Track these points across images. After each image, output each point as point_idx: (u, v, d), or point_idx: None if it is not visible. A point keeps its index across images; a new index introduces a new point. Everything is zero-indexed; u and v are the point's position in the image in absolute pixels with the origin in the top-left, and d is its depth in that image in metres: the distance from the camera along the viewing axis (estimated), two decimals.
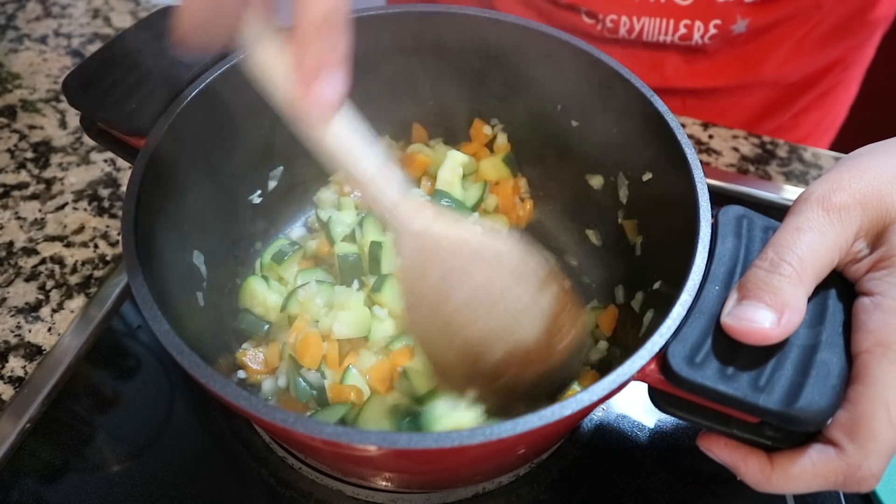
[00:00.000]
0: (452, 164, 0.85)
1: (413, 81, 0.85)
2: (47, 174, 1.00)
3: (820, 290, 0.55)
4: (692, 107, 1.14)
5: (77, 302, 0.85)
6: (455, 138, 0.91)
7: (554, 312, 0.61)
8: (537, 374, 0.62)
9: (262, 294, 0.78)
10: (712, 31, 1.03)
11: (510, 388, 0.63)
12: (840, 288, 0.56)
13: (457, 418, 0.63)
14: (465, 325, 0.60)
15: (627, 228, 0.79)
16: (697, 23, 1.02)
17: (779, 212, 0.94)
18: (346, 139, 0.53)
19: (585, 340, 0.66)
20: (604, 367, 0.74)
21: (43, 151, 1.03)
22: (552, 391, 0.65)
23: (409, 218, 0.56)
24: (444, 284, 0.59)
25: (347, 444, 0.49)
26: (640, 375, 0.53)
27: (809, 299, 0.54)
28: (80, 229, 0.93)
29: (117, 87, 0.70)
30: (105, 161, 1.01)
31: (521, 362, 0.62)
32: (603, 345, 0.78)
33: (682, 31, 1.03)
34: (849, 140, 1.21)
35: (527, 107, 0.84)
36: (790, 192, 0.97)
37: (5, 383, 0.78)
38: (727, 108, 1.15)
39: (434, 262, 0.58)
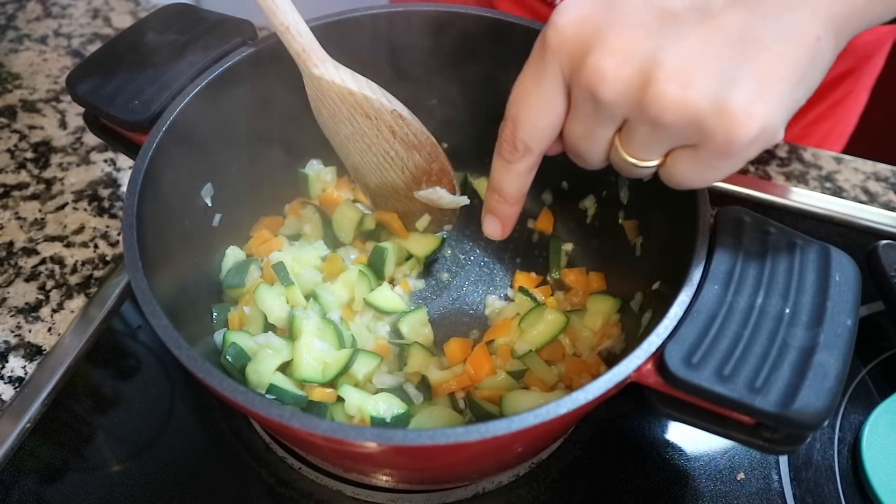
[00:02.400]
0: None
1: (410, 82, 0.85)
2: (47, 174, 1.00)
3: (819, 290, 0.55)
4: None
5: (77, 302, 0.86)
6: (454, 140, 0.91)
7: (421, 169, 0.79)
8: (404, 205, 0.83)
9: (269, 301, 0.78)
10: None
11: (385, 201, 0.84)
12: (838, 288, 0.56)
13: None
14: (350, 153, 0.79)
15: (627, 229, 0.79)
16: None
17: (779, 212, 0.95)
18: (272, 3, 0.67)
19: (450, 202, 0.81)
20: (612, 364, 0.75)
21: (43, 151, 1.03)
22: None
23: (310, 66, 0.71)
24: (332, 121, 0.76)
25: (344, 440, 0.49)
26: (636, 375, 0.53)
27: (809, 299, 0.54)
28: (80, 229, 0.93)
29: (120, 83, 0.71)
30: (105, 161, 1.02)
31: (390, 192, 0.82)
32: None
33: None
34: (858, 149, 1.21)
35: None
36: (790, 193, 0.97)
37: (5, 383, 0.78)
38: None
39: (326, 103, 0.74)
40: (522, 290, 0.82)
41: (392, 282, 0.84)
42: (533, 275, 0.86)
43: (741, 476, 0.72)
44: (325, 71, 0.71)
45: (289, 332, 0.75)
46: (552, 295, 0.83)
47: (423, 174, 0.79)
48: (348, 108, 0.73)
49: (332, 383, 0.73)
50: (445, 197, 0.80)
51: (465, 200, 0.81)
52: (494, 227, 0.70)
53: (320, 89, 0.72)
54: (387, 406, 0.69)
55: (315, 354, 0.72)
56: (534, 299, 0.81)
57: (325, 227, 0.86)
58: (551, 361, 0.76)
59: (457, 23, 0.78)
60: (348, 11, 0.77)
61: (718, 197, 0.96)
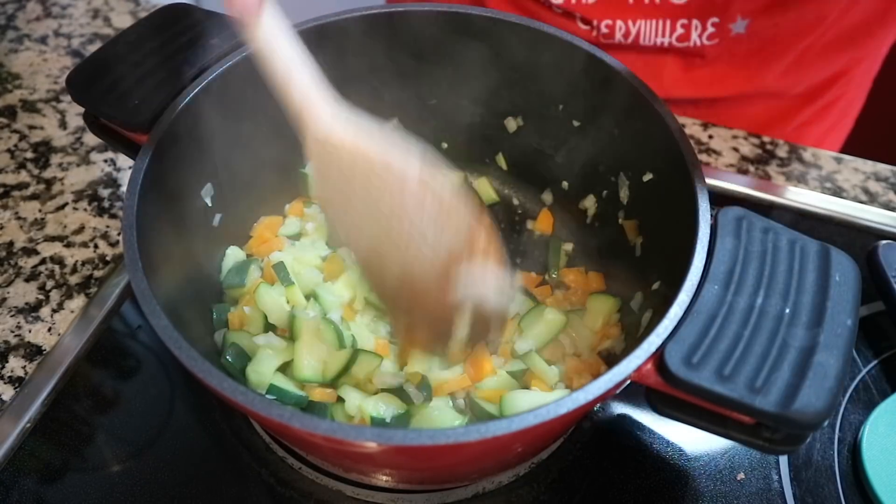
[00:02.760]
0: None
1: (411, 81, 0.85)
2: (47, 174, 1.00)
3: (819, 290, 0.55)
4: (692, 117, 1.13)
5: (77, 302, 0.86)
6: (454, 140, 0.91)
7: (457, 252, 0.60)
8: (433, 312, 0.62)
9: (270, 301, 0.78)
10: (710, 29, 1.02)
11: (408, 309, 0.64)
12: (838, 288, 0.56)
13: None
14: (362, 235, 0.61)
15: (627, 229, 0.79)
16: (695, 21, 1.02)
17: (779, 212, 0.95)
18: (269, 39, 0.56)
19: (500, 298, 0.64)
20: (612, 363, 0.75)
21: (43, 151, 1.03)
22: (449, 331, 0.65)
23: (315, 121, 0.56)
24: (343, 192, 0.59)
25: (344, 440, 0.49)
26: (636, 375, 0.53)
27: (809, 299, 0.54)
28: (80, 229, 0.93)
29: (120, 83, 0.71)
30: (105, 161, 1.02)
31: (415, 291, 0.61)
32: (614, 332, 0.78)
33: (680, 31, 1.02)
34: (856, 150, 1.21)
35: (528, 107, 0.84)
36: (790, 193, 0.97)
37: (5, 383, 0.78)
38: (727, 119, 1.14)
39: (335, 170, 0.58)
40: (522, 290, 0.82)
41: None
42: (533, 275, 0.86)
43: (741, 476, 0.72)
44: (336, 127, 0.57)
45: (289, 333, 0.75)
46: (552, 294, 0.83)
47: (458, 259, 0.61)
48: (366, 174, 0.58)
49: (332, 383, 0.73)
50: (485, 291, 0.60)
51: (512, 301, 0.65)
52: None
53: (329, 151, 0.58)
54: (386, 406, 0.69)
55: (315, 354, 0.72)
56: (533, 299, 0.81)
57: (328, 226, 0.86)
58: (551, 361, 0.76)
59: (456, 22, 0.78)
60: (347, 11, 0.77)
61: (718, 197, 0.96)
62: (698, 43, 1.04)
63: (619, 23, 1.02)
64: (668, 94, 1.10)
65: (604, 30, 1.03)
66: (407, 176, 0.58)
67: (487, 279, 0.61)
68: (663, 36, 1.03)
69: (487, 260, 0.61)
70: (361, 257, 0.64)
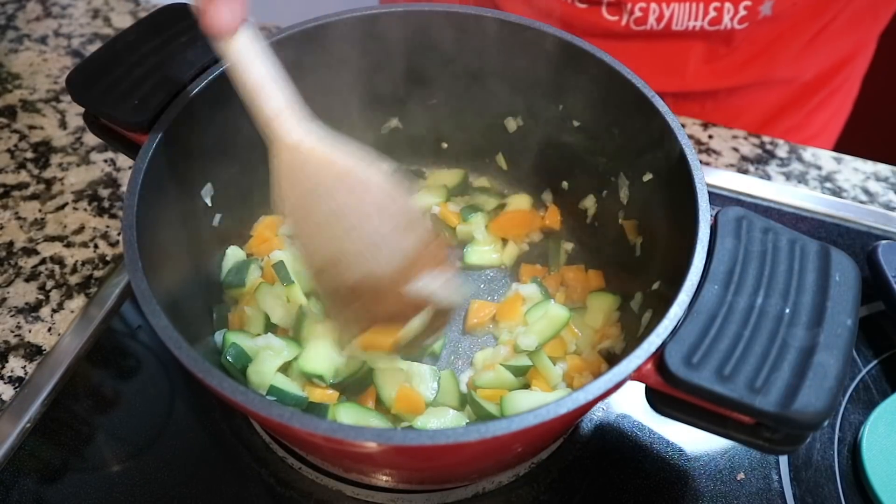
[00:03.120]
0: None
1: (411, 81, 0.85)
2: (47, 174, 1.00)
3: (819, 290, 0.55)
4: (710, 110, 1.14)
5: (77, 302, 0.86)
6: (454, 140, 0.91)
7: (414, 256, 0.64)
8: (389, 310, 0.66)
9: (270, 301, 0.78)
10: (742, 12, 1.02)
11: (361, 317, 0.67)
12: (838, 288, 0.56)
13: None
14: (323, 243, 0.64)
15: (627, 229, 0.79)
16: (727, 4, 1.02)
17: (778, 212, 0.95)
18: (244, 55, 0.59)
19: (447, 300, 0.68)
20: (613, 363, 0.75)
21: (43, 151, 1.03)
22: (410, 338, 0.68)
23: (284, 131, 0.60)
24: (307, 200, 0.62)
25: (344, 440, 0.49)
26: (636, 375, 0.53)
27: (809, 299, 0.54)
28: (80, 229, 0.93)
29: (120, 83, 0.71)
30: (105, 161, 1.02)
31: (372, 293, 0.65)
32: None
33: (713, 14, 1.03)
34: (852, 140, 1.21)
35: (528, 107, 0.84)
36: (790, 193, 0.97)
37: (5, 383, 0.78)
38: (744, 108, 1.15)
39: (301, 178, 0.61)
40: (535, 280, 0.84)
41: None
42: (538, 266, 0.86)
43: (741, 476, 0.72)
44: (304, 136, 0.60)
45: (291, 332, 0.75)
46: (559, 288, 0.84)
47: (414, 264, 0.65)
48: (331, 180, 0.62)
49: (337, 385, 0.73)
50: (440, 291, 0.66)
51: (459, 299, 0.69)
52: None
53: (296, 159, 0.61)
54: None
55: (324, 353, 0.73)
56: (544, 290, 0.82)
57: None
58: (553, 358, 0.76)
59: (456, 22, 0.78)
60: (347, 11, 0.77)
61: (718, 197, 0.96)
62: (729, 26, 1.04)
63: (653, 6, 1.02)
64: (690, 86, 1.11)
65: (637, 13, 1.03)
66: (370, 183, 0.62)
67: (440, 278, 0.66)
68: (696, 20, 1.03)
69: (439, 261, 0.66)
70: (318, 260, 0.66)
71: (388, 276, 0.65)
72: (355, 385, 0.74)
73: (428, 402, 0.72)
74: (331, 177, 0.62)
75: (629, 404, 0.77)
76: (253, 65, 0.59)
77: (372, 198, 0.63)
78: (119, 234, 0.93)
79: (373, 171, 0.62)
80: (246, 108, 0.61)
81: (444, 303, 0.67)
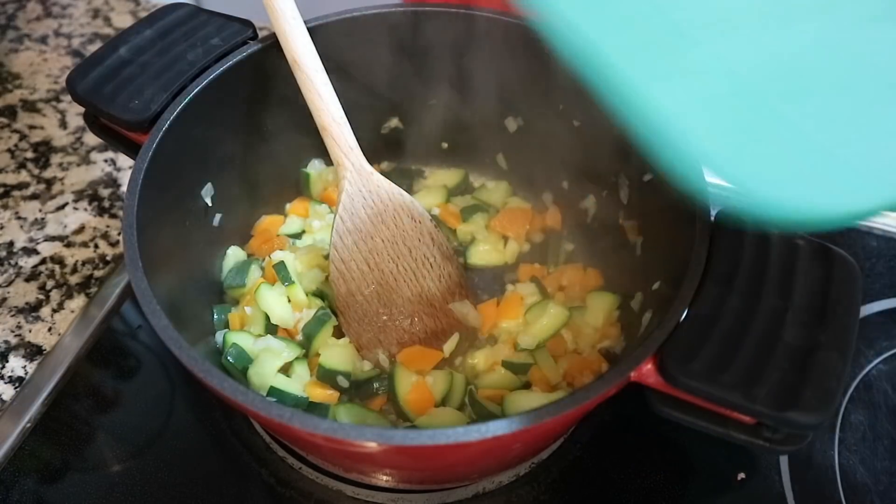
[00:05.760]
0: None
1: (411, 81, 0.85)
2: (47, 174, 1.00)
3: (819, 290, 0.55)
4: None
5: (77, 302, 0.86)
6: (454, 140, 0.91)
7: (458, 279, 0.80)
8: (433, 327, 0.79)
9: (271, 301, 0.78)
10: None
11: (402, 336, 0.78)
12: (839, 288, 0.56)
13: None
14: (383, 261, 0.76)
15: (628, 229, 0.79)
16: None
17: None
18: (322, 95, 0.70)
19: (474, 321, 0.80)
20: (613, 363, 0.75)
21: (43, 151, 1.03)
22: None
23: (361, 162, 0.73)
24: (372, 222, 0.75)
25: (344, 440, 0.49)
26: (636, 375, 0.53)
27: (809, 300, 0.54)
28: (80, 229, 0.93)
29: (120, 83, 0.71)
30: (105, 161, 1.02)
31: (425, 307, 0.79)
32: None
33: None
34: None
35: (528, 107, 0.84)
36: None
37: (5, 383, 0.78)
38: None
39: (369, 202, 0.74)
40: (534, 280, 0.84)
41: None
42: (537, 265, 0.86)
43: (741, 476, 0.72)
44: (373, 169, 0.73)
45: (301, 335, 0.76)
46: (558, 288, 0.84)
47: (454, 286, 0.80)
48: (395, 208, 0.75)
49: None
50: (471, 312, 0.80)
51: (480, 322, 0.80)
52: None
53: (368, 186, 0.73)
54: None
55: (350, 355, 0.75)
56: (543, 290, 0.82)
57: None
58: (554, 357, 0.76)
59: (456, 22, 0.78)
60: (347, 12, 0.77)
61: (719, 197, 0.96)
62: None
63: None
64: None
65: None
66: (424, 216, 0.77)
67: (469, 305, 0.80)
68: None
69: (466, 288, 0.81)
70: (369, 280, 0.77)
71: (440, 292, 0.79)
72: (367, 389, 0.75)
73: (437, 402, 0.73)
74: (396, 205, 0.75)
75: (629, 404, 0.76)
76: (324, 102, 0.71)
77: (426, 228, 0.78)
78: (119, 234, 0.93)
79: (417, 205, 0.76)
80: (321, 132, 0.72)
81: (471, 323, 0.80)
